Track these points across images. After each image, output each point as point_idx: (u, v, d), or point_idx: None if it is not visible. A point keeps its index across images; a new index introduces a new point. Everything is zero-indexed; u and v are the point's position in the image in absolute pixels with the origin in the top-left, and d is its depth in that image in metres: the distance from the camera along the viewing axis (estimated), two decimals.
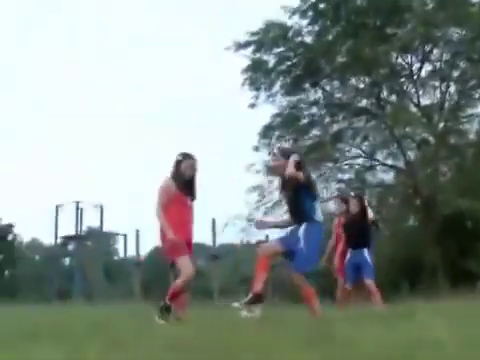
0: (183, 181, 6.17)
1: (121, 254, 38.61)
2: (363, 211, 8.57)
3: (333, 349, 2.54)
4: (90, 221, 32.03)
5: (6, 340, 3.04)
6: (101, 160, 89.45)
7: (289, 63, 22.22)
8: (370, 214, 8.71)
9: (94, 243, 37.28)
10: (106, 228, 30.80)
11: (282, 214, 21.06)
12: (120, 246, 40.97)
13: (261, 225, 6.53)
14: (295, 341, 2.91)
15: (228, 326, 3.98)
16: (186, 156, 6.28)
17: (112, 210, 60.77)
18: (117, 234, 33.34)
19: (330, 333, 3.11)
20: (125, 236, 27.62)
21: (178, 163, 6.23)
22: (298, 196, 5.64)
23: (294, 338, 3.03)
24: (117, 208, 75.27)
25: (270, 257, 5.61)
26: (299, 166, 5.64)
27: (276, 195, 22.30)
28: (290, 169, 5.54)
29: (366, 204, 8.94)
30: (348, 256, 8.51)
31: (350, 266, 8.43)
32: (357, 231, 8.42)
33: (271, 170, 6.63)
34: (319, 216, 5.68)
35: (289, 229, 5.75)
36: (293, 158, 5.67)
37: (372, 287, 8.11)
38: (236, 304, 5.33)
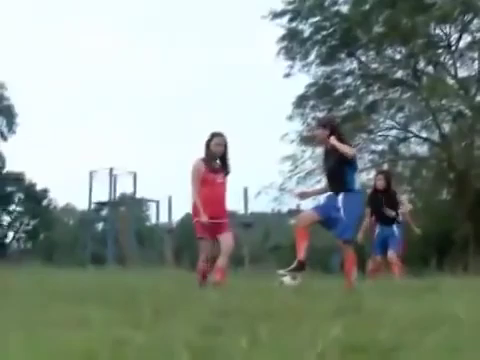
0: (214, 159, 6.44)
1: (153, 221, 39.06)
2: (389, 187, 8.59)
3: (358, 319, 2.69)
4: (123, 188, 32.56)
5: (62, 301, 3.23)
6: (135, 128, 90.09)
7: (325, 33, 21.99)
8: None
9: (127, 209, 37.80)
10: (139, 195, 31.23)
11: (313, 184, 21.24)
12: (152, 213, 41.41)
13: (303, 196, 6.70)
14: (324, 310, 3.04)
15: (262, 294, 4.15)
16: (214, 134, 6.54)
17: (145, 177, 61.55)
18: (150, 201, 33.72)
19: (358, 304, 3.25)
20: (157, 203, 27.99)
21: (208, 142, 6.49)
22: (340, 167, 5.76)
23: (323, 307, 3.16)
24: (150, 175, 76.10)
25: (308, 227, 5.78)
26: (341, 138, 5.79)
27: (308, 164, 22.40)
28: (336, 143, 5.68)
29: (391, 180, 8.93)
30: (377, 230, 8.61)
31: (378, 239, 8.56)
32: (383, 207, 8.47)
33: (311, 140, 6.67)
34: (358, 186, 5.90)
35: (325, 197, 5.96)
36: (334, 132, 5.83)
37: (393, 259, 8.26)
38: (281, 271, 5.56)
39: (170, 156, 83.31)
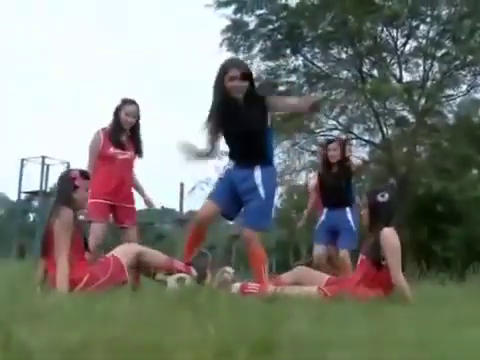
0: (120, 131, 5.35)
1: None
2: (345, 159, 6.59)
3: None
4: (56, 178, 31.18)
5: None
6: (70, 116, 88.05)
7: (271, 27, 21.21)
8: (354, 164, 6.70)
9: None
10: None
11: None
12: None
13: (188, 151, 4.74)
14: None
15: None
16: (125, 102, 5.40)
17: (78, 167, 59.87)
18: None
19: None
20: None
21: (117, 110, 5.39)
22: (262, 129, 4.34)
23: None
24: (83, 165, 74.20)
25: (207, 224, 4.50)
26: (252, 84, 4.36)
27: None
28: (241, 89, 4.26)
29: (350, 152, 6.89)
30: (322, 217, 6.69)
31: (324, 228, 6.64)
32: (337, 184, 6.55)
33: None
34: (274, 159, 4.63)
35: (230, 174, 4.47)
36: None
37: (346, 260, 6.30)
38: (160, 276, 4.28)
39: None
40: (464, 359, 1.43)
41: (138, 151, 5.49)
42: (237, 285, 4.16)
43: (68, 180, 4.26)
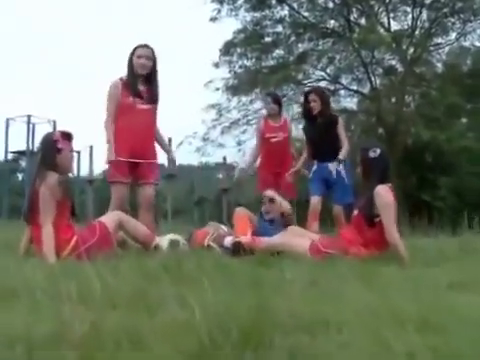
0: (137, 78, 5.00)
1: (74, 171, 37.28)
2: (327, 109, 6.43)
3: None
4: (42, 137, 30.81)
5: None
6: (54, 74, 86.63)
7: None
8: None
9: None
10: None
11: (238, 135, 20.53)
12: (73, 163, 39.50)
13: None
14: None
15: None
16: (138, 46, 5.02)
17: (65, 126, 59.44)
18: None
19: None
20: (78, 153, 26.54)
21: (130, 57, 5.01)
22: None
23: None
24: (70, 124, 73.40)
25: None
26: None
27: (234, 114, 21.42)
28: None
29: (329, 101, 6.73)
30: (314, 167, 6.49)
31: (316, 178, 6.44)
32: (322, 137, 6.36)
33: None
34: None
35: None
36: None
37: (339, 215, 6.27)
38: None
39: (91, 104, 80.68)
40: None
41: (153, 100, 5.13)
42: (229, 239, 4.23)
43: (50, 143, 4.11)
